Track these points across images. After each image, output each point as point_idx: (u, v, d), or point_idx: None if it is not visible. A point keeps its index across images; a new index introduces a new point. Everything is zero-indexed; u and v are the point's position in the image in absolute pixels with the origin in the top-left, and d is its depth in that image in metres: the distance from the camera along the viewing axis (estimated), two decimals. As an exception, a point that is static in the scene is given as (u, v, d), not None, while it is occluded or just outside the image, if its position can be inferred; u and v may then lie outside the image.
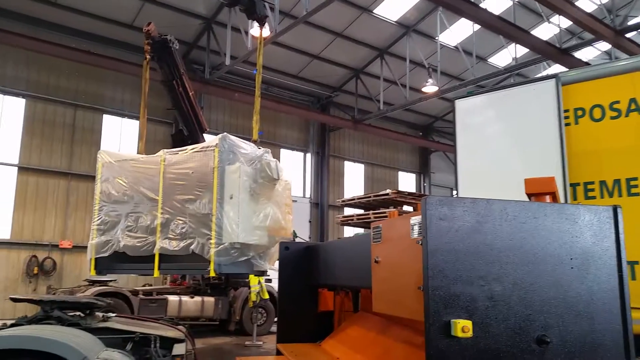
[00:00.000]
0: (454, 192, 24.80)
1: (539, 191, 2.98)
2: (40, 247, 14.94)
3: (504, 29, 14.02)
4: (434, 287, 2.44)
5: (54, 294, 12.20)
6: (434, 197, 2.61)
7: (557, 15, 15.38)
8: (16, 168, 15.04)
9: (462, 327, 2.34)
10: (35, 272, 14.56)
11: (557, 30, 16.58)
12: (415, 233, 2.83)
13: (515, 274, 2.56)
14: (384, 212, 12.81)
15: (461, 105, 6.59)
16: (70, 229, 15.53)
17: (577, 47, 16.22)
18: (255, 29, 11.35)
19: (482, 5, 14.82)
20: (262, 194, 7.64)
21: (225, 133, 7.58)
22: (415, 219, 2.83)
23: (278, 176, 7.65)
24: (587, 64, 15.85)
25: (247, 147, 7.69)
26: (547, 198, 2.98)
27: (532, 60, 16.45)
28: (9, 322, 4.18)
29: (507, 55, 19.22)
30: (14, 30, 13.93)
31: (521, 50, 17.73)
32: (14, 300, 4.64)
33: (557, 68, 19.69)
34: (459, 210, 2.59)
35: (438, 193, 25.73)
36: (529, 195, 3.02)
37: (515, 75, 20.68)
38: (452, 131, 6.71)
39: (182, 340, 4.54)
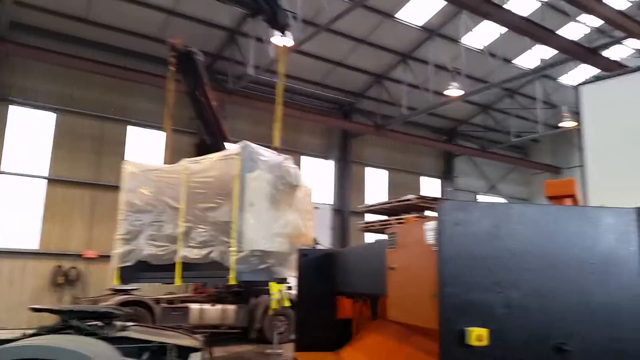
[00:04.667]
0: (477, 197, 23.80)
1: (558, 194, 2.88)
2: (65, 257, 15.17)
3: (529, 30, 13.74)
4: (449, 295, 2.37)
5: (78, 303, 12.41)
6: (449, 201, 2.54)
7: (587, 15, 14.99)
8: (46, 180, 15.38)
9: (477, 335, 2.25)
10: (61, 282, 14.77)
11: (587, 30, 16.18)
12: (430, 239, 2.75)
13: (534, 279, 2.46)
14: (406, 218, 12.65)
15: (587, 91, 5.79)
16: (96, 239, 15.75)
17: (607, 45, 15.76)
18: (277, 38, 11.41)
19: (507, 6, 14.59)
20: (283, 200, 7.64)
21: (245, 141, 7.60)
22: (430, 225, 2.76)
23: (298, 183, 7.65)
24: (619, 63, 15.40)
25: (268, 155, 7.70)
26: (568, 201, 2.87)
27: (560, 61, 16.07)
28: (29, 332, 4.22)
29: (533, 56, 18.87)
30: (44, 47, 14.32)
31: (549, 51, 17.37)
32: (34, 310, 4.70)
33: (585, 68, 19.22)
34: (476, 215, 2.51)
35: (462, 197, 25.33)
36: (549, 198, 2.91)
37: (542, 77, 20.30)
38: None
39: (199, 349, 4.52)
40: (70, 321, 4.23)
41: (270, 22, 9.05)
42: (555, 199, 2.87)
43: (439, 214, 2.48)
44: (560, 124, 21.68)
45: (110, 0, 14.74)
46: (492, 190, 26.87)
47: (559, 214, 2.56)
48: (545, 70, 17.14)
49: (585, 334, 2.37)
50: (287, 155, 7.94)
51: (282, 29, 9.07)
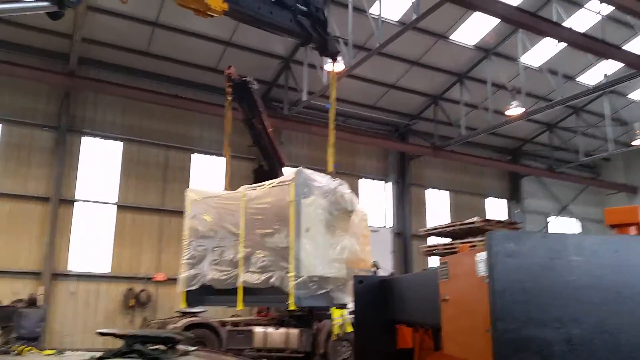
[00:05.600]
0: (548, 219, 22.68)
1: (621, 222, 2.73)
2: (136, 280, 15.89)
3: (590, 46, 13.24)
4: (502, 330, 2.29)
5: (148, 325, 12.85)
6: (499, 232, 2.47)
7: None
8: (115, 206, 16.24)
9: (535, 374, 2.16)
10: (132, 304, 15.43)
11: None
12: (482, 271, 2.68)
13: (596, 315, 2.33)
14: (471, 242, 12.34)
15: None
16: (164, 263, 16.38)
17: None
18: (328, 65, 11.61)
19: (566, 23, 14.15)
20: (338, 226, 7.66)
21: (300, 167, 7.71)
22: (481, 256, 2.69)
23: (352, 208, 7.65)
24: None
25: (322, 180, 7.76)
26: (632, 230, 2.71)
27: (626, 76, 15.30)
28: (97, 355, 4.45)
29: (597, 72, 18.07)
30: (110, 80, 15.30)
31: (613, 66, 16.60)
32: (101, 334, 4.95)
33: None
34: (528, 246, 2.43)
35: (532, 220, 24.31)
36: (611, 227, 2.77)
37: (610, 93, 19.39)
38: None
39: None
40: (134, 345, 4.42)
41: (321, 50, 9.20)
42: (618, 227, 2.73)
43: (488, 245, 2.42)
44: (632, 142, 20.56)
45: (170, 33, 15.61)
46: (563, 212, 25.59)
47: (621, 245, 2.44)
48: (613, 87, 16.34)
49: (655, 374, 2.23)
50: (341, 180, 7.97)
51: (333, 57, 9.20)
